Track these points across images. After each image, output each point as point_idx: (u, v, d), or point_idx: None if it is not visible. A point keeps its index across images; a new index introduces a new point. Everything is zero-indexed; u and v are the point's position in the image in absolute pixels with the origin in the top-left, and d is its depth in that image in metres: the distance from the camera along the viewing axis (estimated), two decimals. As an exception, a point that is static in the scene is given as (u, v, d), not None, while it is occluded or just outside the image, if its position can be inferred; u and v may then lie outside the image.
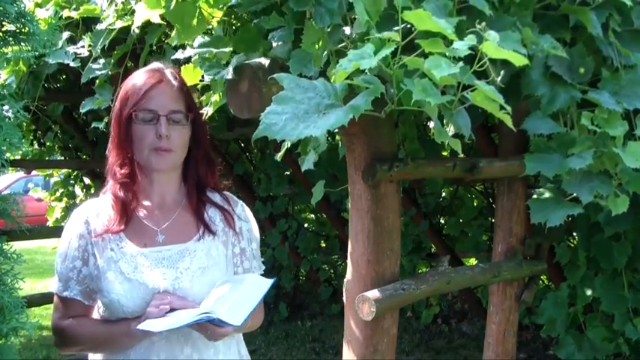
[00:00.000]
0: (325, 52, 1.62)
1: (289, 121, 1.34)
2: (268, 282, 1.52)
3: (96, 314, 1.56)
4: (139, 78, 1.52)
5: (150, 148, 1.48)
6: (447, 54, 1.27)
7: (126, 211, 1.51)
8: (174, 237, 1.53)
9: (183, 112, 1.51)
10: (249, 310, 1.41)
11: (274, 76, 1.45)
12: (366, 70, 1.36)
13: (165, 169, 1.52)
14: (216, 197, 1.62)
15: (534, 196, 1.76)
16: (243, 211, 1.65)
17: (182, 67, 1.90)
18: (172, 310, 1.41)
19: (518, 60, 1.25)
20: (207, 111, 2.05)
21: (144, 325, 1.36)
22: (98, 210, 1.55)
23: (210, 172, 1.60)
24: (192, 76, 1.94)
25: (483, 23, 1.31)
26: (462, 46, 1.24)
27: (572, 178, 1.65)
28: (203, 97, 2.07)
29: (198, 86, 2.02)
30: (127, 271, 1.47)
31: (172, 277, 1.48)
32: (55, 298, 1.56)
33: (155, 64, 1.57)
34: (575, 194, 1.67)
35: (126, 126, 1.48)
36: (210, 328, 1.40)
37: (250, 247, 1.63)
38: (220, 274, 1.53)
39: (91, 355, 1.58)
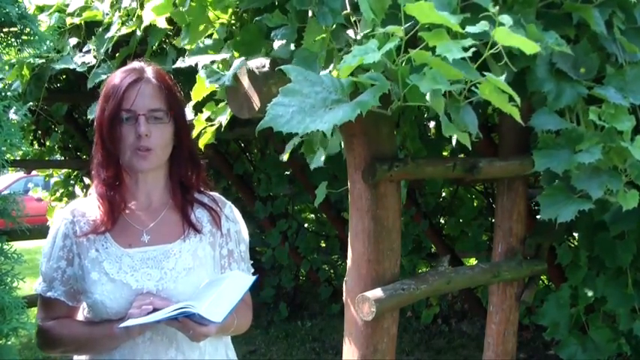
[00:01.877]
0: (325, 51, 1.61)
1: (296, 115, 1.31)
2: (250, 279, 1.51)
3: (80, 316, 1.55)
4: (117, 78, 1.49)
5: (131, 149, 1.45)
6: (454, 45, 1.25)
7: (112, 212, 1.49)
8: (160, 237, 1.52)
9: (164, 109, 1.48)
10: (230, 306, 1.39)
11: (282, 67, 1.41)
12: (372, 69, 1.35)
13: (147, 169, 1.49)
14: (204, 198, 1.60)
15: (544, 192, 1.75)
16: (231, 212, 1.63)
17: (197, 77, 1.86)
18: (155, 310, 1.39)
19: (530, 48, 1.23)
20: (222, 120, 2.04)
21: (124, 323, 1.35)
22: (84, 210, 1.53)
23: (194, 172, 1.58)
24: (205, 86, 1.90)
25: (497, 7, 1.27)
26: (474, 30, 1.21)
27: (581, 173, 1.64)
28: (220, 106, 2.05)
29: (216, 96, 2.00)
30: (111, 272, 1.46)
31: (157, 278, 1.47)
32: (39, 299, 1.55)
33: (135, 63, 1.54)
34: (583, 191, 1.66)
35: (108, 128, 1.45)
36: (191, 326, 1.37)
37: (239, 248, 1.61)
38: (206, 275, 1.52)
39: (75, 357, 1.57)
